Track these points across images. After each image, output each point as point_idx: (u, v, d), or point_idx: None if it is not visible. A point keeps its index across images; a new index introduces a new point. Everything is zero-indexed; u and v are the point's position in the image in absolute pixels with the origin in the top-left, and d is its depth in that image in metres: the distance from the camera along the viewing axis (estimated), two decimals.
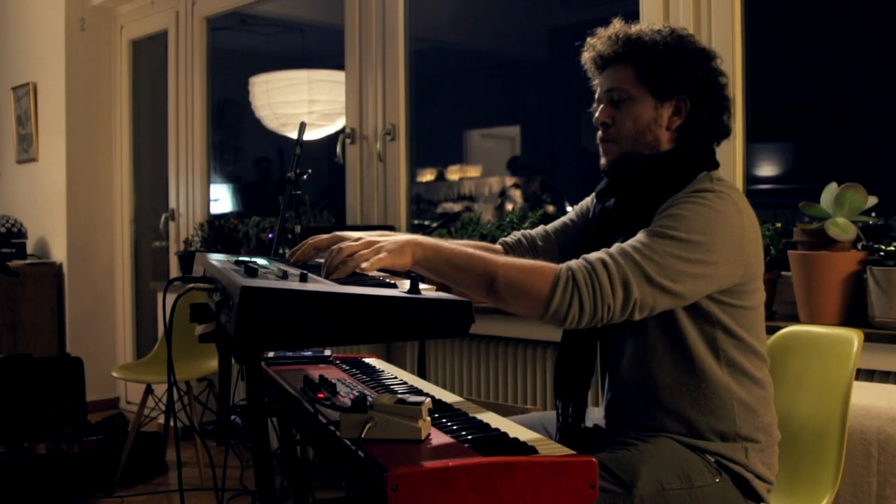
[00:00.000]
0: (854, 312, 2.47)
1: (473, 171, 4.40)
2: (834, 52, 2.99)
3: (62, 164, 5.61)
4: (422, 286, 1.39)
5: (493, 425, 1.49)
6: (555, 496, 1.26)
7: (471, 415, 1.58)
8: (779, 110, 3.16)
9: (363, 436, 1.33)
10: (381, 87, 4.13)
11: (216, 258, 1.80)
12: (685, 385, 1.73)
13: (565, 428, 1.86)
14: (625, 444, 1.70)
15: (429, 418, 1.41)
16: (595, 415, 1.97)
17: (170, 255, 5.46)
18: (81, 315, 5.69)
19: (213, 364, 4.12)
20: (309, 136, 4.27)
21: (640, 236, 1.63)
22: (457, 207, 4.29)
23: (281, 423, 2.15)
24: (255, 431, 1.50)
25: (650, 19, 3.03)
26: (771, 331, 2.16)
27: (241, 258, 1.81)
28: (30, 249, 5.82)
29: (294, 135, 3.22)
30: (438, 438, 1.40)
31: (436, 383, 3.30)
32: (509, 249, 2.07)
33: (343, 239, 1.66)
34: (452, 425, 1.47)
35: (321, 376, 1.73)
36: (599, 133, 1.86)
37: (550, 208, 3.89)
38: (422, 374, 3.15)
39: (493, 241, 3.41)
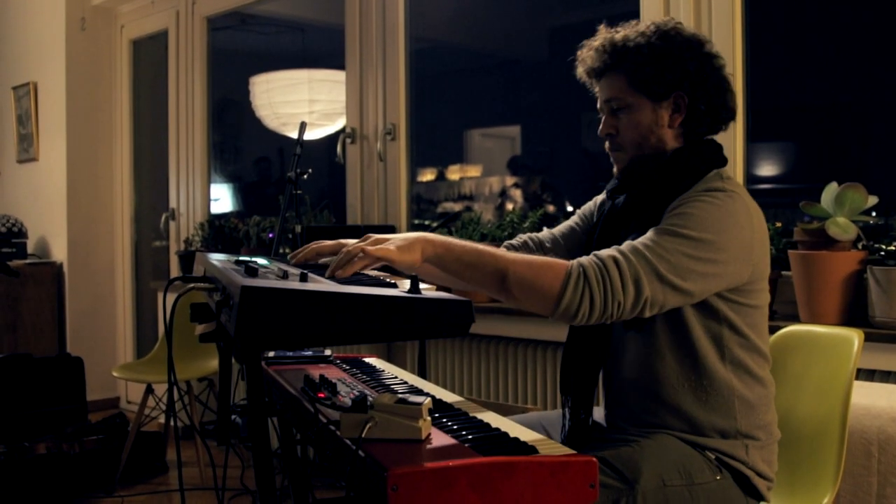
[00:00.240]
0: (854, 312, 2.47)
1: (474, 171, 4.40)
2: (834, 51, 2.99)
3: (63, 164, 5.61)
4: (422, 286, 1.39)
5: (494, 425, 1.49)
6: (555, 496, 1.26)
7: (471, 414, 1.58)
8: (779, 110, 3.16)
9: (363, 435, 1.33)
10: (382, 86, 4.13)
11: (216, 258, 1.80)
12: (688, 381, 1.73)
13: (573, 424, 1.86)
14: (627, 441, 1.71)
15: (429, 418, 1.41)
16: (596, 413, 1.97)
17: (170, 255, 5.47)
18: (82, 315, 5.70)
19: (213, 364, 4.12)
20: (309, 135, 4.27)
21: (651, 234, 1.63)
22: (457, 207, 4.29)
23: (281, 423, 2.15)
24: (255, 431, 1.51)
25: (650, 20, 3.02)
26: (771, 330, 2.16)
27: (241, 258, 1.81)
28: (30, 249, 5.83)
29: (294, 134, 3.22)
30: (439, 438, 1.40)
31: (436, 383, 3.30)
32: (515, 251, 2.06)
33: (346, 245, 1.65)
34: (453, 425, 1.47)
35: (321, 376, 1.73)
36: (607, 144, 1.88)
37: (551, 208, 3.89)
38: (422, 374, 3.15)
39: (494, 240, 3.44)
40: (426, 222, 4.26)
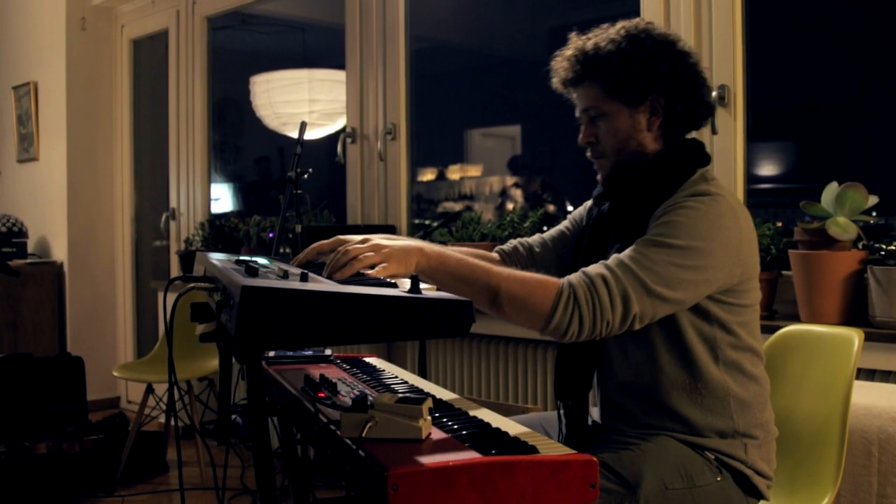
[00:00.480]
0: (855, 312, 2.47)
1: (474, 171, 4.40)
2: (834, 51, 2.99)
3: (63, 164, 5.61)
4: (422, 286, 1.39)
5: (494, 425, 1.49)
6: (555, 495, 1.26)
7: (471, 414, 1.58)
8: (779, 110, 3.16)
9: (364, 435, 1.33)
10: (382, 86, 4.13)
11: (217, 257, 1.80)
12: (682, 384, 1.73)
13: (569, 429, 1.86)
14: (627, 444, 1.71)
15: (429, 417, 1.42)
16: (593, 413, 1.97)
17: (170, 255, 5.47)
18: (82, 314, 5.70)
19: (213, 363, 4.13)
20: (309, 135, 4.27)
21: (638, 246, 1.63)
22: (457, 207, 4.30)
23: (282, 423, 2.15)
24: (255, 431, 1.51)
25: (650, 19, 3.02)
26: (771, 330, 2.17)
27: (241, 257, 1.81)
28: (30, 249, 5.83)
29: (295, 134, 3.22)
30: (439, 438, 1.40)
31: (436, 383, 3.31)
32: (506, 257, 2.06)
33: (346, 241, 1.66)
34: (453, 424, 1.47)
35: (322, 376, 1.73)
36: (588, 152, 1.88)
37: (551, 208, 3.89)
38: (422, 374, 3.15)
39: (494, 240, 3.44)
40: (426, 222, 4.26)
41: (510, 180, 4.20)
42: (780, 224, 2.76)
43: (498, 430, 1.46)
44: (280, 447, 2.16)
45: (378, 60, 4.14)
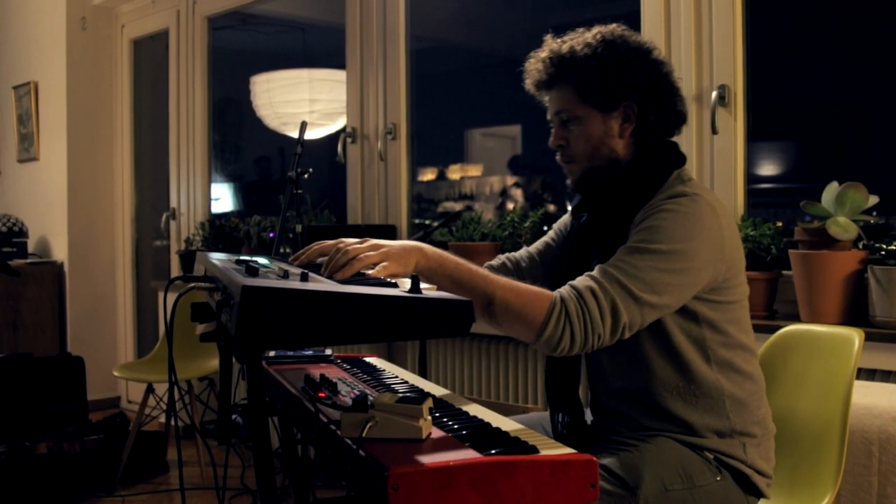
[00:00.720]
0: (855, 312, 2.47)
1: (474, 171, 4.40)
2: (835, 51, 2.99)
3: (63, 164, 5.62)
4: (423, 285, 1.39)
5: (494, 424, 1.49)
6: (555, 495, 1.26)
7: (472, 414, 1.58)
8: (780, 109, 3.15)
9: (364, 435, 1.33)
10: (382, 86, 4.13)
11: (217, 257, 1.80)
12: (675, 387, 1.73)
13: (566, 435, 1.86)
14: (626, 446, 1.70)
15: (430, 417, 1.41)
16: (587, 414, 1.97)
17: (171, 255, 5.47)
18: (82, 314, 5.70)
19: (214, 363, 4.13)
20: (310, 135, 4.27)
21: (621, 254, 1.63)
22: (458, 207, 4.29)
23: (282, 423, 2.15)
24: (256, 430, 1.51)
25: (651, 19, 3.03)
26: (772, 330, 2.17)
27: (242, 257, 1.81)
28: (31, 248, 5.83)
29: (295, 134, 3.22)
30: (439, 437, 1.40)
31: (437, 382, 3.31)
32: (494, 273, 2.06)
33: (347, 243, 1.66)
34: (453, 424, 1.47)
35: (322, 375, 1.73)
36: (558, 156, 1.88)
37: (551, 207, 3.89)
38: (423, 374, 3.15)
39: (495, 240, 3.44)
40: (427, 222, 4.26)
41: (510, 180, 4.20)
42: (780, 224, 2.76)
43: (498, 429, 1.45)
44: (280, 447, 2.16)
45: (378, 60, 4.14)
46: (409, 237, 3.87)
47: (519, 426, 1.48)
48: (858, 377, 2.20)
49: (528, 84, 1.89)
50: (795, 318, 2.54)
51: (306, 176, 3.05)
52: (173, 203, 5.47)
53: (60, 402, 4.41)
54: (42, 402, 4.33)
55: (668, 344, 1.72)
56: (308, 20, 5.51)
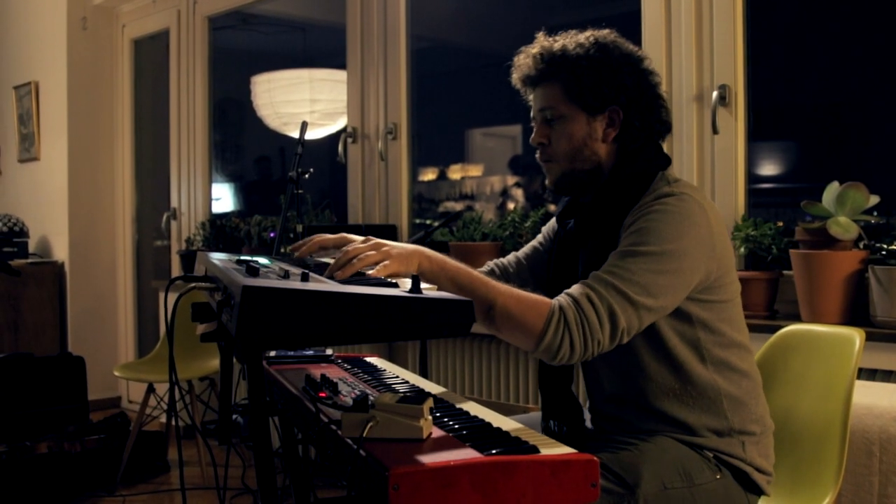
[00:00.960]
0: (856, 311, 2.47)
1: (475, 171, 4.40)
2: (836, 50, 2.99)
3: (64, 164, 5.62)
4: (423, 286, 1.39)
5: (495, 424, 1.49)
6: (556, 495, 1.26)
7: (472, 414, 1.58)
8: (780, 109, 3.15)
9: (365, 435, 1.33)
10: (383, 86, 4.13)
11: (218, 257, 1.80)
12: (672, 389, 1.73)
13: (566, 434, 1.85)
14: (625, 444, 1.70)
15: (430, 417, 1.41)
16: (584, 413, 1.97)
17: (171, 254, 5.47)
18: (83, 314, 5.70)
19: (214, 363, 4.13)
20: (310, 135, 4.27)
21: (614, 259, 1.63)
22: (458, 206, 4.29)
23: (282, 423, 2.15)
24: (256, 430, 1.51)
25: (651, 19, 3.03)
26: (772, 330, 2.17)
27: (242, 257, 1.81)
28: (32, 248, 5.83)
29: (295, 134, 3.23)
30: (440, 437, 1.40)
31: (437, 382, 3.31)
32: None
33: (350, 240, 1.66)
34: (454, 424, 1.47)
35: (323, 375, 1.73)
36: (538, 154, 1.87)
37: (552, 207, 3.89)
38: (423, 374, 3.15)
39: (495, 240, 3.44)
40: (427, 222, 4.26)
41: (511, 180, 4.20)
42: (781, 224, 2.76)
43: (499, 429, 1.45)
44: (281, 447, 2.16)
45: (379, 60, 4.14)
46: (410, 237, 3.87)
47: (520, 426, 1.48)
48: (859, 377, 2.20)
49: (515, 78, 1.88)
50: (796, 318, 2.54)
51: (307, 176, 3.05)
52: (174, 203, 5.47)
53: (61, 402, 4.41)
54: (43, 401, 4.33)
55: (662, 347, 1.71)
56: (309, 20, 5.51)
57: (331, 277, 1.51)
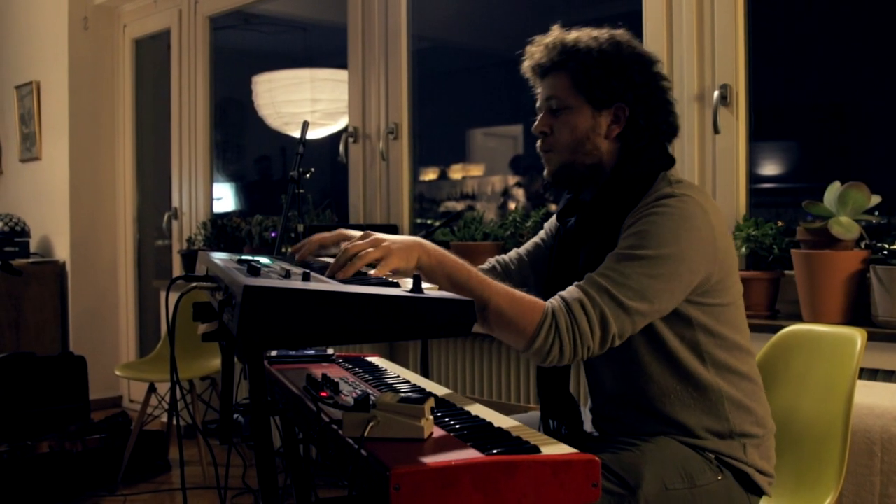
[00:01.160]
0: (857, 311, 2.46)
1: (476, 170, 4.40)
2: (837, 50, 2.99)
3: (65, 163, 5.62)
4: (424, 285, 1.39)
5: (496, 424, 1.49)
6: (557, 495, 1.26)
7: (473, 413, 1.58)
8: (782, 109, 3.15)
9: (366, 434, 1.33)
10: (384, 85, 4.13)
11: (219, 257, 1.80)
12: (673, 391, 1.72)
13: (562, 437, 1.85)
14: (626, 445, 1.70)
15: (431, 417, 1.41)
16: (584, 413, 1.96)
17: (173, 254, 5.47)
18: (84, 313, 5.70)
19: (215, 363, 4.13)
20: (312, 135, 4.27)
21: (610, 262, 1.62)
22: (459, 206, 4.29)
23: (284, 422, 2.15)
24: (257, 430, 1.51)
25: (652, 19, 3.03)
26: (774, 330, 2.17)
27: (243, 257, 1.81)
28: (33, 248, 5.83)
29: (297, 134, 3.23)
30: (441, 437, 1.40)
31: (438, 382, 3.31)
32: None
33: (348, 237, 1.66)
34: (455, 424, 1.47)
35: (324, 375, 1.73)
36: (539, 142, 1.86)
37: (553, 207, 3.88)
38: (424, 373, 3.15)
39: (496, 240, 3.44)
40: (428, 221, 4.26)
41: (512, 180, 4.19)
42: (782, 223, 2.76)
43: (500, 429, 1.45)
44: (282, 446, 2.16)
45: (380, 60, 4.14)
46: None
47: (521, 426, 1.48)
48: (861, 377, 2.20)
49: (526, 66, 1.87)
50: (797, 318, 2.54)
51: (308, 175, 3.05)
52: (175, 202, 5.47)
53: (62, 402, 4.41)
54: (44, 401, 4.34)
55: (663, 349, 1.71)
56: (310, 20, 5.51)
57: (332, 277, 1.51)
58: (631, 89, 1.75)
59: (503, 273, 2.05)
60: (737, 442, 1.72)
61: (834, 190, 2.46)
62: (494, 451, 1.30)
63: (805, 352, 2.04)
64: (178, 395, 2.17)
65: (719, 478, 1.69)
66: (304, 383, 1.74)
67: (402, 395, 1.44)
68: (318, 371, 1.88)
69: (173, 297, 1.60)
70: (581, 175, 1.81)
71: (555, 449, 1.33)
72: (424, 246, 1.60)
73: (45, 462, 3.77)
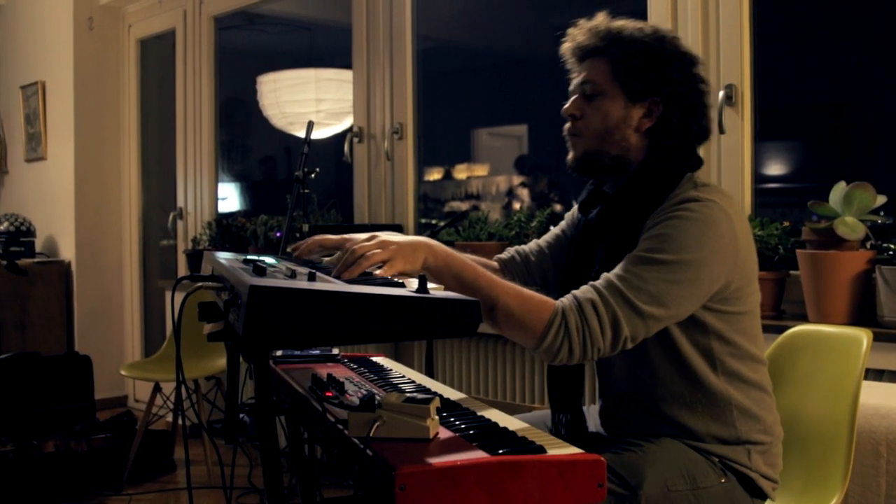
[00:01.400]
0: (863, 312, 2.46)
1: (481, 170, 4.40)
2: (842, 50, 2.98)
3: (70, 163, 5.63)
4: (430, 285, 1.39)
5: (501, 424, 1.49)
6: (563, 495, 1.26)
7: (479, 413, 1.58)
8: (787, 109, 3.15)
9: (371, 434, 1.33)
10: (389, 85, 4.13)
11: (224, 257, 1.81)
12: (682, 395, 1.71)
13: (566, 436, 1.85)
14: (629, 446, 1.69)
15: (437, 417, 1.42)
16: (591, 412, 1.96)
17: (178, 254, 5.48)
18: (90, 313, 5.71)
19: (221, 362, 4.13)
20: (316, 135, 4.27)
21: (628, 264, 1.60)
22: (464, 206, 4.29)
23: (289, 422, 2.16)
24: (263, 430, 1.51)
25: (657, 19, 3.02)
26: (779, 330, 2.16)
27: (249, 257, 1.81)
28: (38, 248, 5.84)
29: (301, 134, 3.23)
30: (446, 437, 1.40)
31: (443, 382, 3.31)
32: (503, 266, 2.04)
33: (353, 241, 1.66)
34: (460, 424, 1.47)
35: (329, 375, 1.73)
36: (567, 125, 1.83)
37: (558, 207, 3.88)
38: (429, 373, 3.15)
39: (501, 240, 3.43)
40: (433, 221, 4.26)
41: (517, 180, 4.19)
42: (787, 224, 2.76)
43: (505, 429, 1.45)
44: (287, 446, 2.16)
45: (385, 60, 4.14)
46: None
47: (526, 426, 1.48)
48: (866, 378, 2.19)
49: (566, 47, 1.84)
50: (803, 319, 2.53)
51: (313, 175, 3.06)
52: (180, 202, 5.48)
53: (68, 401, 4.42)
54: (49, 400, 4.34)
55: (675, 352, 1.70)
56: (314, 20, 5.51)
57: (338, 277, 1.51)
58: (668, 85, 1.73)
59: (522, 264, 2.04)
60: (742, 447, 1.71)
61: (839, 190, 2.46)
62: (500, 452, 1.30)
63: (811, 352, 2.04)
64: (184, 395, 2.17)
65: (722, 480, 1.68)
66: (309, 383, 1.74)
67: (408, 395, 1.44)
68: (323, 371, 1.88)
69: (179, 296, 1.61)
70: (605, 165, 1.79)
71: (560, 449, 1.33)
72: (431, 247, 1.59)
73: (51, 461, 3.78)
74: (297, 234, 3.33)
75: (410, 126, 4.08)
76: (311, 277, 1.38)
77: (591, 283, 1.60)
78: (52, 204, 5.83)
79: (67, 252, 5.71)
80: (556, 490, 1.26)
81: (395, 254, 1.55)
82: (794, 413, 1.98)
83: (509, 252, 2.07)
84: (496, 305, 1.56)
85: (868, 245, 2.48)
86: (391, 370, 2.06)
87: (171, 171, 5.57)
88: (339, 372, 1.95)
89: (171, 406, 4.31)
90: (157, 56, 5.83)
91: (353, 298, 1.28)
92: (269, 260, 1.79)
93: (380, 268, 1.54)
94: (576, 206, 2.03)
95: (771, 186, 3.06)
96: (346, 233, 1.73)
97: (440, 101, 4.35)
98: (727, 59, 2.87)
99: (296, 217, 3.07)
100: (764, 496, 1.74)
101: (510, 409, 1.83)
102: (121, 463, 4.01)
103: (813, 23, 3.08)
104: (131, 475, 4.04)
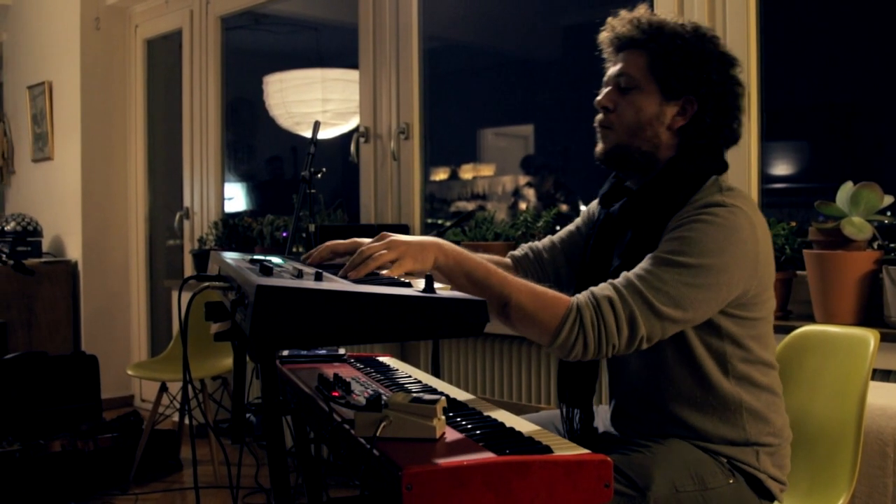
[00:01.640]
0: (870, 312, 2.45)
1: (487, 170, 4.40)
2: (849, 50, 2.98)
3: (77, 163, 5.64)
4: (437, 285, 1.39)
5: (508, 424, 1.49)
6: (570, 495, 1.26)
7: (485, 413, 1.58)
8: (794, 109, 3.14)
9: (378, 434, 1.33)
10: (395, 85, 4.13)
11: (231, 256, 1.81)
12: (692, 397, 1.71)
13: (571, 436, 1.84)
14: (637, 446, 1.69)
15: (443, 417, 1.41)
16: (601, 412, 1.96)
17: (184, 254, 5.49)
18: (96, 313, 5.73)
19: (227, 362, 4.13)
20: (323, 134, 4.27)
21: (648, 263, 1.60)
22: (470, 206, 4.29)
23: (295, 422, 2.16)
24: (269, 430, 1.51)
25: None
26: (786, 330, 2.16)
27: (255, 257, 1.81)
28: (45, 248, 5.86)
29: (308, 134, 3.23)
30: (453, 437, 1.40)
31: (450, 382, 3.31)
32: (517, 263, 2.04)
33: (362, 245, 1.65)
34: (467, 424, 1.47)
35: (336, 375, 1.73)
36: (599, 116, 1.81)
37: (564, 207, 3.88)
38: (436, 373, 3.15)
39: (507, 240, 3.43)
40: (439, 221, 4.26)
41: (523, 180, 4.19)
42: (794, 224, 2.75)
43: (512, 429, 1.45)
44: (294, 446, 2.16)
45: (391, 60, 4.15)
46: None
47: (533, 426, 1.48)
48: (873, 378, 2.19)
49: (604, 36, 1.82)
50: (810, 319, 2.53)
51: (319, 175, 3.06)
52: (187, 202, 5.49)
53: (74, 401, 4.43)
54: (56, 400, 4.35)
55: (688, 354, 1.69)
56: (321, 20, 5.52)
57: (345, 277, 1.51)
58: (705, 85, 1.71)
59: (535, 260, 2.03)
60: (750, 449, 1.71)
61: (846, 190, 2.45)
62: (507, 452, 1.30)
63: (818, 353, 2.03)
64: (190, 395, 2.17)
65: (731, 481, 1.68)
66: (315, 383, 1.74)
67: (414, 395, 1.44)
68: (329, 371, 1.89)
69: (185, 296, 1.61)
70: (634, 160, 1.77)
71: (567, 450, 1.33)
72: (441, 246, 1.59)
73: (58, 461, 3.78)
74: (304, 234, 3.34)
75: (417, 126, 4.08)
76: (318, 277, 1.38)
77: (610, 281, 1.60)
78: (58, 204, 5.85)
79: (74, 252, 5.73)
80: (562, 490, 1.26)
81: (403, 253, 1.54)
82: (801, 413, 1.97)
83: (523, 249, 2.06)
84: (509, 302, 1.56)
85: (875, 245, 2.47)
86: (397, 370, 2.06)
87: (178, 171, 5.58)
88: (346, 372, 1.95)
89: (178, 406, 4.32)
90: (164, 56, 5.84)
91: (360, 298, 1.28)
92: (275, 260, 1.79)
93: (388, 268, 1.54)
94: (592, 204, 2.02)
95: (778, 186, 3.06)
96: (352, 233, 1.73)
97: (446, 101, 4.35)
98: None
99: (302, 217, 3.08)
100: (772, 497, 1.73)
101: (517, 410, 1.83)
102: (127, 462, 4.02)
103: (820, 22, 3.07)
104: (138, 475, 4.05)
